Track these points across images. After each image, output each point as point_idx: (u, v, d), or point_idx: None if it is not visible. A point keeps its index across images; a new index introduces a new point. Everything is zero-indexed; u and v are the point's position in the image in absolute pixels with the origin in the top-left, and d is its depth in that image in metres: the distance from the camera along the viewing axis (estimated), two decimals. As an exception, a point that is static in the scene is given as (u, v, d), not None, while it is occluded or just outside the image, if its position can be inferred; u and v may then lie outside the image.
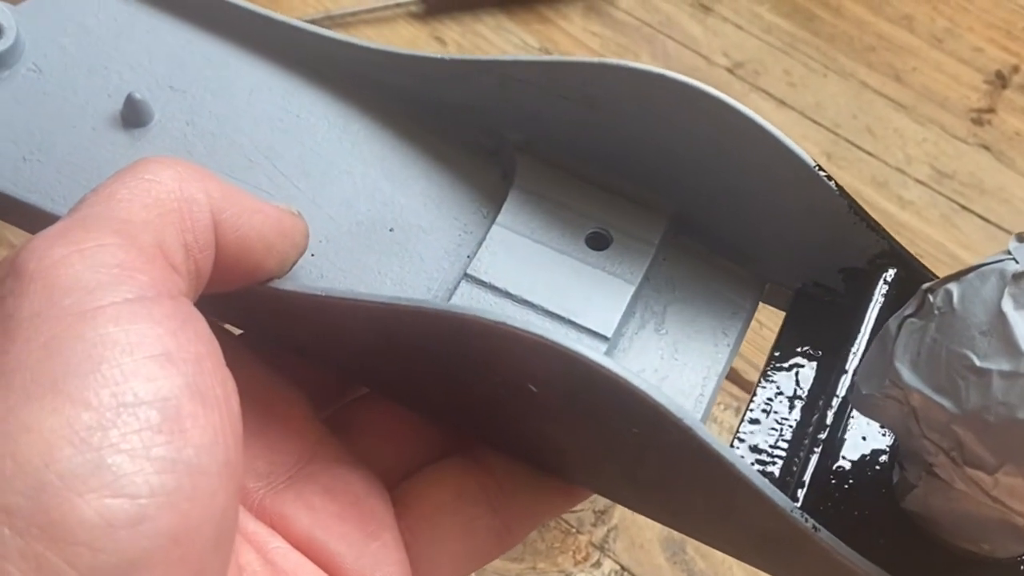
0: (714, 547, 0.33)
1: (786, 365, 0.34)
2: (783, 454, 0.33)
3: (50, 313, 0.25)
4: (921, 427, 0.28)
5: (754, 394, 0.34)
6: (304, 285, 0.32)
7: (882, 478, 0.33)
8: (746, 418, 0.34)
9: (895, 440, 0.33)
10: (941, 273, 0.31)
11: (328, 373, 0.35)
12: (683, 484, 0.31)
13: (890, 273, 0.34)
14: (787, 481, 0.32)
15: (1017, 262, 0.28)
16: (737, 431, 0.33)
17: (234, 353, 0.29)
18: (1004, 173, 0.63)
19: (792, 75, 0.66)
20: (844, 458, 0.33)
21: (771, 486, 0.29)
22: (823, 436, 0.33)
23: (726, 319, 0.35)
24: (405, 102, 0.37)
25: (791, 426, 0.33)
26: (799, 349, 0.35)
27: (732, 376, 0.54)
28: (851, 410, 0.34)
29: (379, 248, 0.35)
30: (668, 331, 0.35)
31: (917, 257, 0.34)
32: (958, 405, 0.27)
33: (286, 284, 0.31)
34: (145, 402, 0.24)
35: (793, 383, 0.34)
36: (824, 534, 0.29)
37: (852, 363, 0.33)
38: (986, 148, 0.64)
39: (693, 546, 0.51)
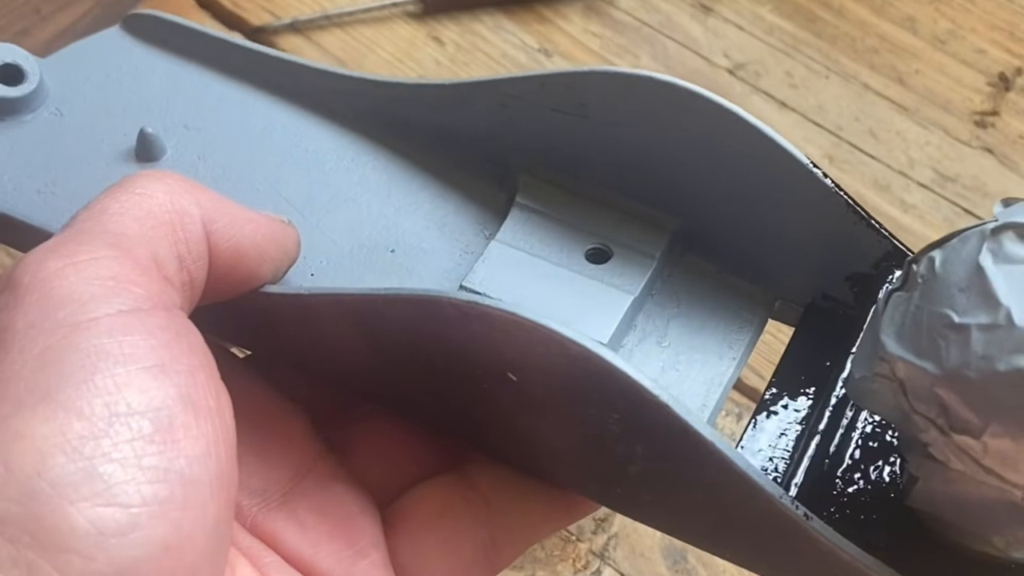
0: (712, 552, 0.33)
1: (792, 379, 0.34)
2: (786, 459, 0.32)
3: (44, 325, 0.25)
4: (910, 400, 0.28)
5: (759, 407, 0.33)
6: (288, 285, 0.32)
7: (892, 486, 0.32)
8: (749, 427, 0.33)
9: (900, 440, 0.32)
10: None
11: (328, 391, 0.35)
12: (672, 480, 0.30)
13: (896, 275, 0.34)
14: (787, 484, 0.31)
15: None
16: (740, 440, 0.33)
17: (233, 372, 0.29)
18: (1007, 176, 0.62)
19: (794, 77, 0.66)
20: (851, 464, 0.32)
21: (759, 471, 0.28)
22: (821, 427, 0.32)
23: (732, 334, 0.35)
24: (413, 132, 0.37)
25: (795, 435, 0.33)
26: (807, 362, 0.34)
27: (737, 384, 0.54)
28: (854, 413, 0.33)
29: (379, 268, 0.35)
30: (670, 344, 0.34)
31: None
32: (939, 366, 0.27)
33: (271, 288, 0.32)
34: (138, 412, 0.24)
35: (799, 396, 0.34)
36: (817, 523, 0.29)
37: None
38: (989, 151, 0.63)
39: (695, 555, 0.51)
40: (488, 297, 0.33)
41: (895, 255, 0.34)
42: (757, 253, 0.35)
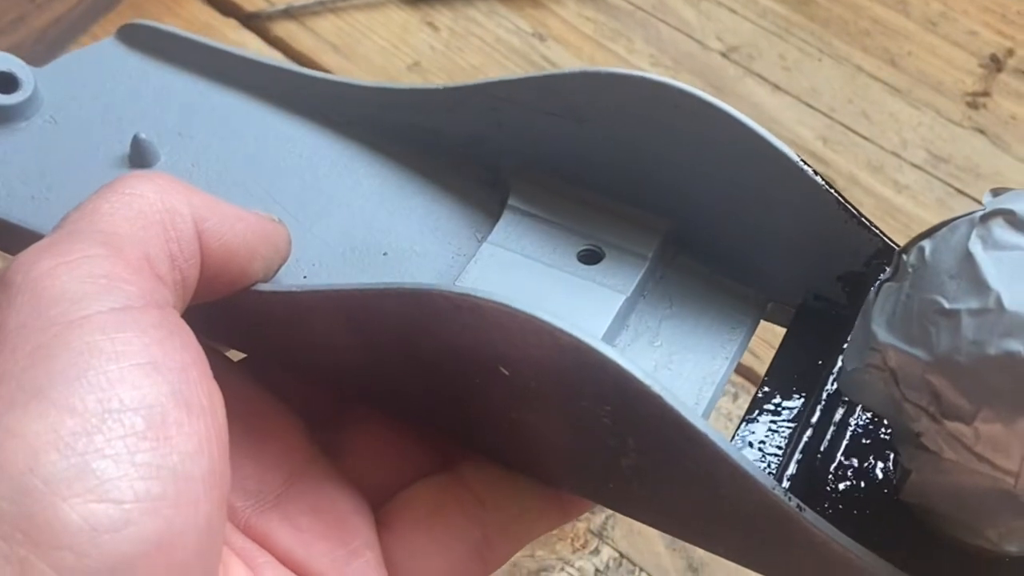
0: (706, 548, 0.33)
1: (784, 378, 0.34)
2: (779, 455, 0.32)
3: (36, 323, 0.25)
4: (901, 389, 0.28)
5: (751, 406, 0.34)
6: (279, 284, 0.32)
7: (886, 482, 0.32)
8: (742, 425, 0.33)
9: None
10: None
11: (321, 393, 0.35)
12: (665, 473, 0.30)
13: (887, 273, 0.34)
14: (779, 477, 0.32)
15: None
16: (732, 437, 0.33)
17: (227, 373, 0.29)
18: (1000, 157, 0.63)
19: (787, 59, 0.66)
20: (843, 461, 0.33)
21: (750, 462, 0.29)
22: (813, 421, 0.33)
23: (725, 334, 0.35)
24: (406, 136, 0.38)
25: (787, 432, 0.33)
26: (799, 361, 0.35)
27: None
28: (846, 410, 0.33)
29: (371, 271, 0.35)
30: (663, 343, 0.35)
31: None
32: (930, 352, 0.27)
33: (262, 286, 0.32)
34: (130, 408, 0.24)
35: (791, 395, 0.34)
36: (809, 514, 0.29)
37: None
38: (981, 132, 0.64)
39: (692, 533, 0.51)
40: None
41: (886, 252, 0.34)
42: (750, 254, 0.35)
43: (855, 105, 0.64)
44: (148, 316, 0.26)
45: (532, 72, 0.63)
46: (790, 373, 0.34)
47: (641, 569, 0.50)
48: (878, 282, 0.30)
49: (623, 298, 0.34)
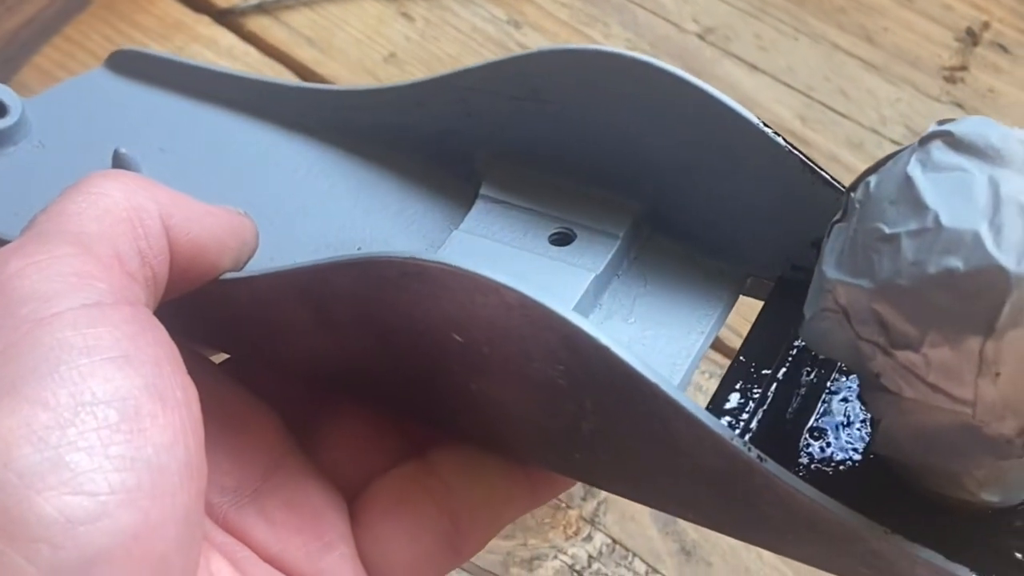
0: (678, 515, 0.33)
1: (760, 348, 0.34)
2: (747, 413, 0.32)
3: (7, 323, 0.25)
4: (854, 327, 0.27)
5: (725, 377, 0.33)
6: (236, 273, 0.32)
7: (862, 443, 0.32)
8: (719, 390, 0.33)
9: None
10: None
11: (295, 388, 0.35)
12: (626, 434, 0.30)
13: (838, 215, 0.34)
14: (743, 432, 0.31)
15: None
16: (708, 405, 0.33)
17: (202, 371, 0.30)
18: (978, 130, 0.63)
19: (763, 39, 0.66)
20: (818, 423, 0.32)
21: (706, 412, 0.28)
22: (780, 376, 0.32)
23: (701, 310, 0.35)
24: (378, 136, 0.39)
25: (757, 394, 0.33)
26: (775, 332, 0.34)
27: (715, 344, 0.54)
28: (821, 372, 0.33)
29: None
30: (637, 320, 0.35)
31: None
32: (873, 280, 0.27)
33: (225, 275, 0.32)
34: (103, 401, 0.24)
35: (765, 365, 0.33)
36: (772, 465, 0.28)
37: None
38: (959, 106, 0.64)
39: (684, 516, 0.51)
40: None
41: None
42: (724, 228, 0.35)
43: (833, 83, 0.64)
44: (120, 312, 0.26)
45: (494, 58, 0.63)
46: (766, 343, 0.34)
47: (634, 554, 0.50)
48: (830, 224, 0.29)
49: (592, 276, 0.34)
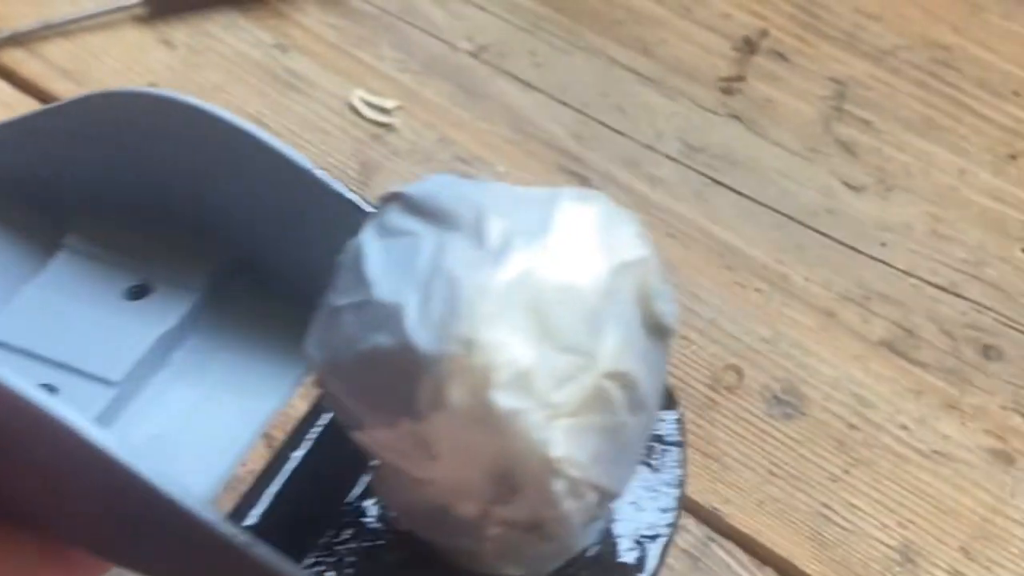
0: None
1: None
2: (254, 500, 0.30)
3: None
4: (336, 410, 0.26)
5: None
6: None
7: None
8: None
9: None
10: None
11: None
12: (80, 498, 0.28)
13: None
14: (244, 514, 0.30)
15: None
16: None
17: None
18: (755, 143, 0.61)
19: (538, 55, 0.64)
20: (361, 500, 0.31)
21: (189, 493, 0.26)
22: (308, 446, 0.31)
23: (287, 365, 0.33)
24: None
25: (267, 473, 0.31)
26: None
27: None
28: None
29: None
30: (212, 379, 0.33)
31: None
32: (324, 356, 0.25)
33: None
34: None
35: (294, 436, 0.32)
36: (264, 549, 0.26)
37: None
38: (737, 118, 0.62)
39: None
40: (7, 346, 0.31)
41: None
42: (308, 275, 0.33)
43: (609, 98, 0.63)
44: None
45: (258, 85, 0.60)
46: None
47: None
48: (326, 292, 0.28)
49: (159, 333, 0.33)
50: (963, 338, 0.55)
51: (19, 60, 0.63)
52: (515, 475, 0.24)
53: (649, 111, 0.62)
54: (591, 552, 0.29)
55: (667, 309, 0.25)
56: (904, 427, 0.52)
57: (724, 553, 0.49)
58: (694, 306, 0.55)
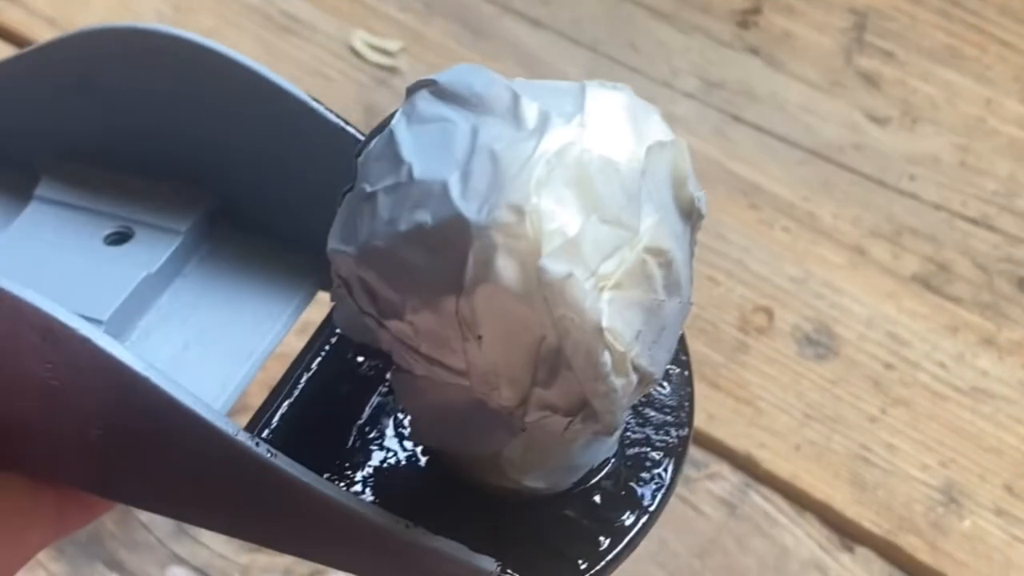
0: (204, 525, 0.30)
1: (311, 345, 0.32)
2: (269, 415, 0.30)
3: None
4: (356, 300, 0.25)
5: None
6: None
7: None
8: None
9: None
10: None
11: None
12: (132, 435, 0.27)
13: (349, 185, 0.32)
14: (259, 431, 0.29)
15: None
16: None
17: None
18: (775, 77, 0.59)
19: (546, -8, 0.61)
20: (371, 419, 0.30)
21: (206, 405, 0.26)
22: (315, 365, 0.31)
23: (274, 306, 0.32)
24: None
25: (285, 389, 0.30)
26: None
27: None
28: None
29: None
30: (199, 321, 0.32)
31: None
32: (355, 244, 0.25)
33: None
34: None
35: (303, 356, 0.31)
36: (284, 460, 0.26)
37: None
38: (754, 52, 0.60)
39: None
40: None
41: None
42: (299, 217, 0.32)
43: (621, 35, 0.60)
44: None
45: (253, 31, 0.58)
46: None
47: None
48: (340, 195, 0.27)
49: (143, 275, 0.32)
50: (997, 271, 0.53)
51: (1, 9, 0.60)
52: (563, 347, 0.23)
53: (663, 47, 0.60)
54: (608, 468, 0.29)
55: (698, 194, 0.25)
56: (941, 364, 0.50)
57: (762, 499, 0.47)
58: (720, 247, 0.53)
